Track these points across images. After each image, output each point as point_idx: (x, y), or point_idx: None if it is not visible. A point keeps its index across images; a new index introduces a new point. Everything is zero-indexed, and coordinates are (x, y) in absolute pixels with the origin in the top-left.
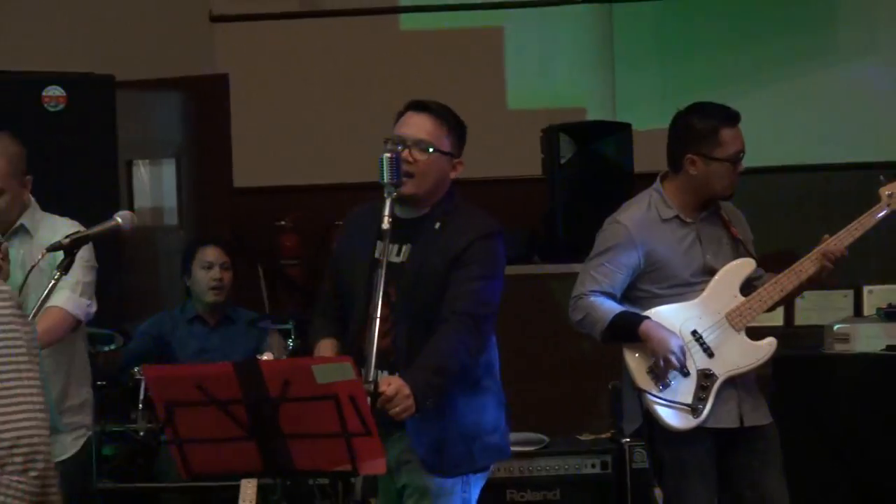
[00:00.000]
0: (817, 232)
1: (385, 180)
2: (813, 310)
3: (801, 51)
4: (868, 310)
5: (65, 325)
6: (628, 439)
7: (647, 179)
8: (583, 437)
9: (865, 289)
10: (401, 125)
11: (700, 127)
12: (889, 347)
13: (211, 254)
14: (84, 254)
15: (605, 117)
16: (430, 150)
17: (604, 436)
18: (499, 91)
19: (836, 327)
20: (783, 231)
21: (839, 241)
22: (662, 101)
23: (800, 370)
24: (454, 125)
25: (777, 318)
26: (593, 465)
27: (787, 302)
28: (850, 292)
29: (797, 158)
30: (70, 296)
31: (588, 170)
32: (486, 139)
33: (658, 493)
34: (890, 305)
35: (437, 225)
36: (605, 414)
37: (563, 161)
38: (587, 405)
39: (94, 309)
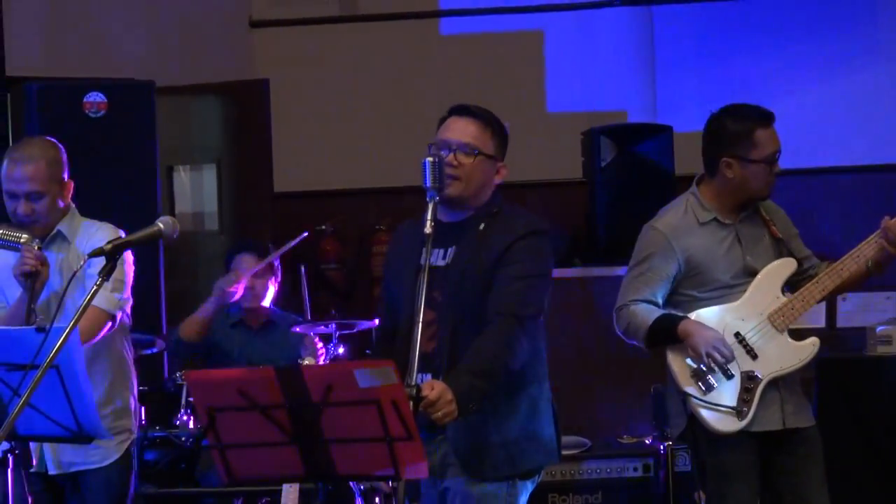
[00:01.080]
0: (860, 233)
1: (428, 185)
2: (855, 311)
3: (844, 52)
4: None
5: (98, 322)
6: (670, 442)
7: (688, 182)
8: (625, 441)
9: None
10: (445, 129)
11: (734, 129)
12: None
13: (246, 262)
14: (123, 265)
15: (646, 120)
16: (476, 153)
17: (646, 439)
18: (538, 94)
19: (878, 329)
20: (824, 233)
21: None
22: (704, 103)
23: (842, 372)
24: (497, 129)
25: (819, 320)
26: (635, 469)
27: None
28: (893, 293)
29: (841, 160)
30: (105, 294)
31: (629, 172)
32: (526, 142)
33: (700, 496)
34: None
35: (482, 226)
36: (648, 417)
37: (603, 164)
38: (629, 408)
39: (128, 304)
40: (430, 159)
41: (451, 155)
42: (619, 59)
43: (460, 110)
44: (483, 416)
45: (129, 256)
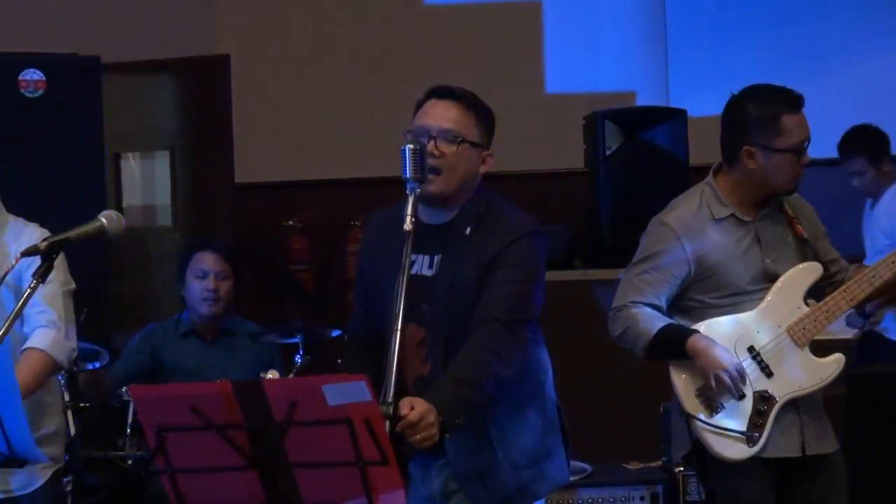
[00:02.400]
0: None
1: (408, 175)
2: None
3: (873, 33)
4: None
5: (49, 372)
6: (681, 468)
7: (704, 173)
8: (630, 466)
9: None
10: (423, 114)
11: (758, 114)
12: None
13: (207, 261)
14: (62, 275)
15: (658, 103)
16: (459, 140)
17: (654, 464)
18: (536, 73)
19: None
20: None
21: None
22: (722, 85)
23: (875, 387)
24: (483, 113)
25: (848, 329)
26: (642, 498)
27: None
28: None
29: None
30: (56, 338)
31: (637, 162)
32: (522, 128)
33: None
34: None
35: (468, 230)
36: (656, 439)
37: (608, 152)
38: (636, 429)
39: (76, 354)
40: (411, 146)
41: (432, 143)
42: (626, 35)
43: (440, 92)
44: (484, 435)
45: (70, 279)
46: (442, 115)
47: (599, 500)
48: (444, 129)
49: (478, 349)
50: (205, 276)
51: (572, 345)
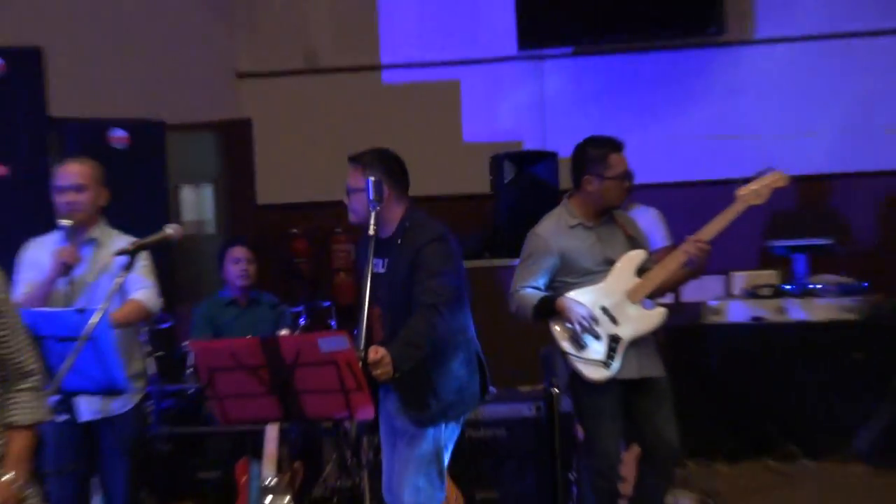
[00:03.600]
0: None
1: (371, 197)
2: (693, 290)
3: (680, 96)
4: (735, 289)
5: (141, 314)
6: (556, 390)
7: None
8: (522, 389)
9: (732, 274)
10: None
11: (594, 153)
12: (753, 318)
13: (238, 252)
14: (147, 262)
15: (537, 147)
16: (354, 190)
17: (538, 387)
18: (456, 128)
19: (710, 304)
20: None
21: (703, 233)
22: (581, 134)
23: (685, 337)
24: (371, 165)
25: (668, 296)
26: (530, 410)
27: (678, 285)
28: (722, 276)
29: (686, 176)
30: (150, 295)
31: (525, 188)
32: (447, 165)
33: (579, 428)
34: (752, 287)
35: (399, 241)
36: (539, 372)
37: (506, 181)
38: (525, 365)
39: (160, 308)
40: (372, 178)
41: (346, 198)
42: (517, 100)
43: (349, 160)
44: (419, 377)
45: (151, 264)
46: (350, 176)
47: (502, 412)
48: (348, 186)
49: (417, 322)
50: (237, 262)
51: (484, 310)
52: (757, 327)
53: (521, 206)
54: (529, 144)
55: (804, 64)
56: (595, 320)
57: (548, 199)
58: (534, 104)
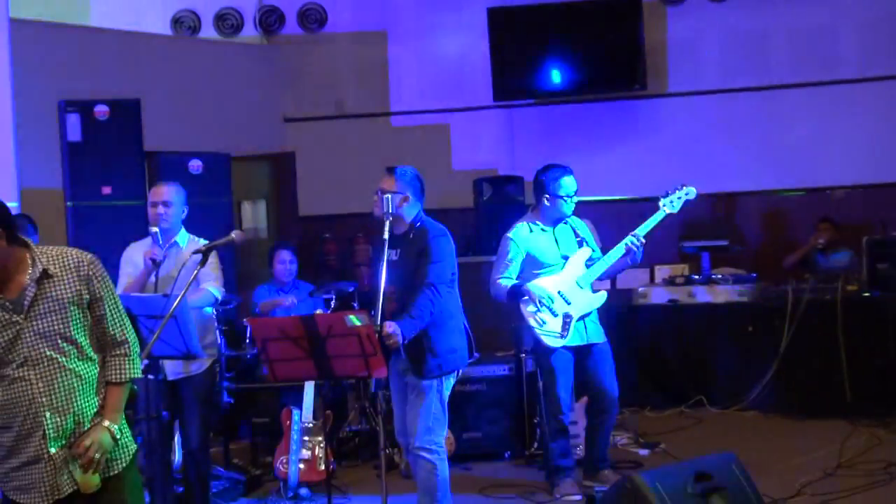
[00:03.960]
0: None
1: (385, 210)
2: (625, 279)
3: (616, 135)
4: (657, 279)
5: (209, 299)
6: (524, 354)
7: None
8: (498, 354)
9: (656, 266)
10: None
11: (549, 177)
12: (670, 301)
13: (284, 255)
14: (215, 260)
15: (509, 173)
16: (386, 193)
17: (510, 353)
18: (447, 161)
19: (639, 289)
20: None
21: (638, 231)
22: (543, 163)
23: (620, 315)
24: (400, 177)
25: (607, 284)
26: (504, 370)
27: (617, 273)
28: (647, 269)
29: (618, 194)
30: (216, 286)
31: (499, 203)
32: (442, 187)
33: (540, 384)
34: (669, 277)
35: (411, 236)
36: (511, 340)
37: (484, 198)
38: (499, 337)
39: (223, 296)
40: (387, 196)
41: (375, 195)
42: (493, 139)
43: (387, 169)
44: (420, 341)
45: (218, 261)
46: (383, 181)
47: (483, 371)
48: (382, 188)
49: (420, 300)
50: (283, 263)
51: (469, 293)
52: (673, 308)
53: (495, 217)
54: (503, 171)
55: (707, 110)
56: (552, 301)
57: (516, 211)
58: (507, 140)
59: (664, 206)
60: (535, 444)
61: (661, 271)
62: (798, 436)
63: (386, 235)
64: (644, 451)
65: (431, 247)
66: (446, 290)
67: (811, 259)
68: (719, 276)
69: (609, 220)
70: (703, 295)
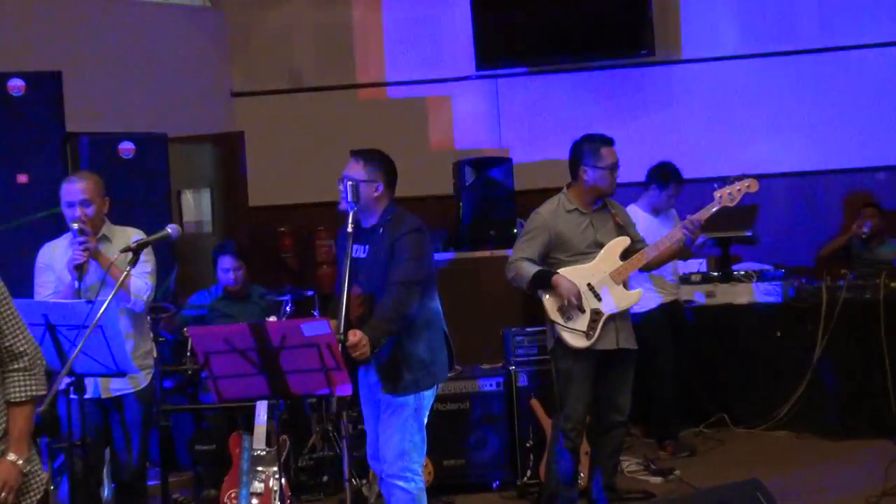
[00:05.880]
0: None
1: (349, 199)
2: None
3: (622, 108)
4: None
5: (145, 291)
6: (514, 367)
7: (523, 195)
8: (484, 366)
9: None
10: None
11: (588, 147)
12: (684, 302)
13: (227, 262)
14: (149, 257)
15: (495, 154)
16: (354, 180)
17: (498, 365)
18: (424, 138)
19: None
20: None
21: (699, 216)
22: (533, 142)
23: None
24: (370, 161)
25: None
26: (491, 385)
27: (674, 259)
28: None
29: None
30: (139, 284)
31: (483, 189)
32: (416, 171)
33: (534, 402)
34: (684, 273)
35: (381, 230)
36: (500, 351)
37: (467, 184)
38: (486, 345)
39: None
40: (350, 183)
41: (341, 184)
42: (476, 114)
43: (352, 153)
44: (394, 352)
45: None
46: (349, 167)
47: (466, 387)
48: (349, 175)
49: (390, 301)
50: (227, 271)
51: (450, 295)
52: (688, 310)
53: (479, 205)
54: (487, 152)
55: (726, 80)
56: (581, 296)
57: (503, 199)
58: (490, 116)
59: (720, 199)
60: (529, 473)
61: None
62: (835, 459)
63: (350, 229)
64: (656, 479)
65: (403, 242)
66: (420, 291)
67: (850, 250)
68: (742, 273)
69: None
70: (723, 294)
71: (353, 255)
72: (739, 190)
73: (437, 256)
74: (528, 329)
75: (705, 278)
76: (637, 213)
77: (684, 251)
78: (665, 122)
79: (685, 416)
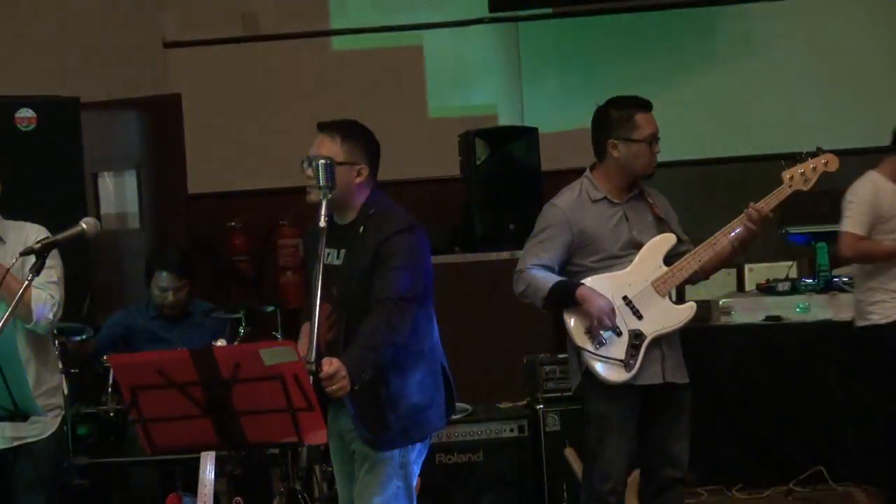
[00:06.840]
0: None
1: (321, 183)
2: (701, 286)
3: (685, 62)
4: (749, 286)
5: (50, 306)
6: (541, 406)
7: (552, 177)
8: (502, 406)
9: (746, 267)
10: (312, 145)
11: (617, 115)
12: (768, 318)
13: (165, 279)
14: (55, 262)
15: (514, 122)
16: (324, 161)
17: (520, 403)
18: (421, 102)
19: (720, 302)
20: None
21: (764, 205)
22: (564, 107)
23: (690, 341)
24: (348, 136)
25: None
26: (511, 430)
27: (728, 266)
28: (734, 270)
29: (690, 154)
30: (42, 297)
31: (500, 169)
32: (410, 145)
33: (569, 451)
34: (768, 281)
35: (361, 229)
36: (522, 384)
37: (478, 162)
38: (505, 376)
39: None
40: (322, 161)
41: (310, 168)
42: (489, 69)
43: (320, 127)
44: (378, 394)
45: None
46: (318, 145)
47: (478, 433)
48: (318, 155)
49: (376, 322)
50: (165, 290)
51: (454, 312)
52: (774, 328)
53: (495, 191)
54: (504, 119)
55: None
56: (616, 314)
57: (527, 182)
58: (509, 72)
59: (790, 180)
60: None
61: (755, 273)
62: None
63: (323, 223)
64: None
65: (391, 246)
66: (416, 310)
67: None
68: (844, 280)
69: (668, 194)
70: (820, 309)
71: (326, 261)
72: (814, 169)
73: (438, 259)
74: (561, 356)
75: (796, 287)
76: (882, 186)
77: (738, 253)
78: (743, 78)
79: (769, 470)
